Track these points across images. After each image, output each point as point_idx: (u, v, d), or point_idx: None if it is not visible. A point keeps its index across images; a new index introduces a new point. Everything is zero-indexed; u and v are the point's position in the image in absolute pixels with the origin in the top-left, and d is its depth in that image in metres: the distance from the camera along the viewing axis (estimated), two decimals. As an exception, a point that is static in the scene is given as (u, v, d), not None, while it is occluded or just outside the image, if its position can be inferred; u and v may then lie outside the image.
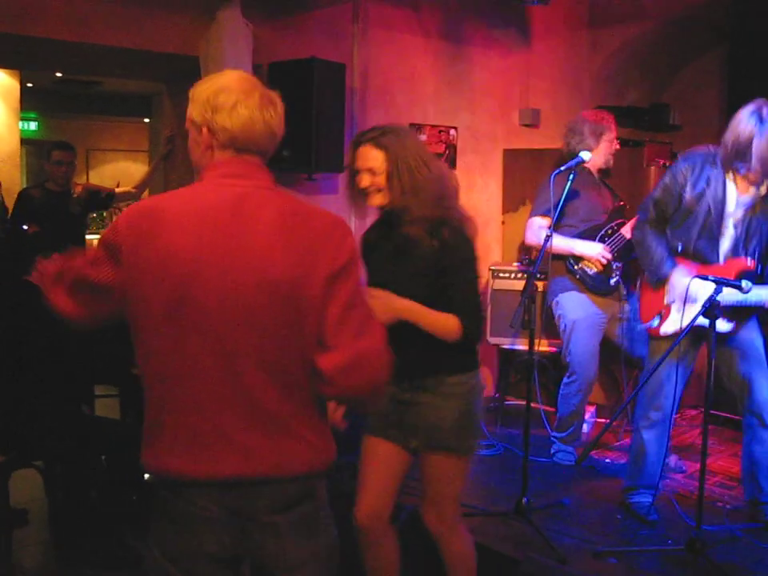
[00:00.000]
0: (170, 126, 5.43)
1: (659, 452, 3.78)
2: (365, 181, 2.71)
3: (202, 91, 1.93)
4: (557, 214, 4.23)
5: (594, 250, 4.37)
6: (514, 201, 6.00)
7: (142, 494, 4.31)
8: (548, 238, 3.86)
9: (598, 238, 4.43)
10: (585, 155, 3.93)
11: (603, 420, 5.06)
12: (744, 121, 3.43)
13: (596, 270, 4.41)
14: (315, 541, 1.96)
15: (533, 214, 4.49)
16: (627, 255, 4.43)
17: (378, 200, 2.73)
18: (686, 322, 3.48)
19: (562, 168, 3.88)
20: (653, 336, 3.75)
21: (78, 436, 3.75)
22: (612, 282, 4.43)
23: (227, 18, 4.33)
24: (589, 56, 6.26)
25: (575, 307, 4.48)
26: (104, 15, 4.18)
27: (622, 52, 6.23)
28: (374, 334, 1.90)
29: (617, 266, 4.42)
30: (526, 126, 6.16)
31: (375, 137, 2.70)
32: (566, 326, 4.52)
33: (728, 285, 3.34)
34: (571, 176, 3.90)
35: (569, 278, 4.50)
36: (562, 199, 4.06)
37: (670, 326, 3.67)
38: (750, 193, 3.51)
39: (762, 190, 3.51)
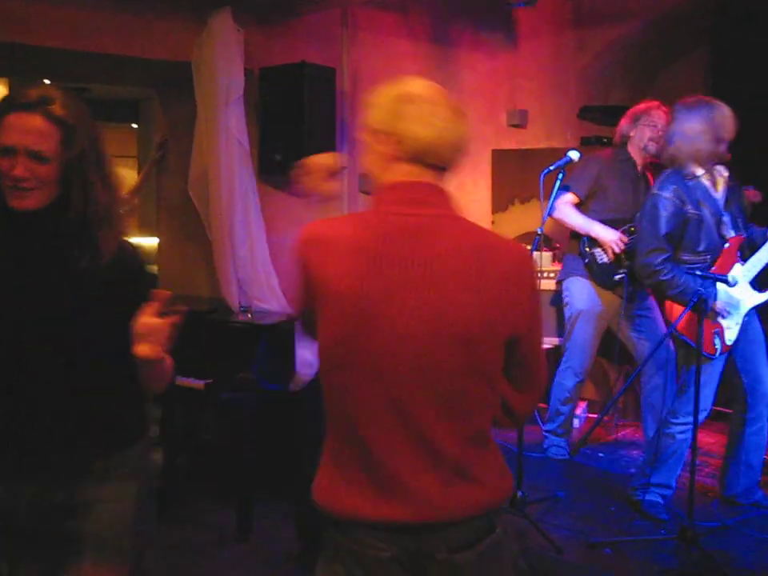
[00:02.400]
0: (162, 131, 5.46)
1: (684, 455, 3.82)
2: (19, 168, 1.83)
3: (387, 96, 1.78)
4: (585, 196, 4.43)
5: (610, 236, 4.38)
6: (503, 201, 6.07)
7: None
8: (537, 237, 3.90)
9: (619, 231, 4.44)
10: (573, 154, 3.99)
11: (595, 415, 5.13)
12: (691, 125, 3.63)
13: (607, 258, 4.43)
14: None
15: (562, 189, 4.38)
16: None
17: (32, 201, 1.87)
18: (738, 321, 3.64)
19: (551, 167, 3.93)
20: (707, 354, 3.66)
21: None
22: (617, 277, 4.44)
23: (218, 23, 4.37)
24: (574, 57, 6.34)
25: (582, 297, 4.53)
26: (95, 22, 4.21)
27: (607, 52, 6.31)
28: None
29: (627, 264, 4.41)
30: (514, 126, 6.23)
31: (45, 103, 1.86)
32: (571, 313, 4.58)
33: (716, 279, 3.42)
34: (560, 175, 3.96)
35: (579, 259, 4.52)
36: (554, 194, 4.08)
37: (732, 335, 3.69)
38: (720, 183, 3.72)
39: (723, 173, 3.74)
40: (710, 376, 3.67)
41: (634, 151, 4.49)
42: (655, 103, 4.49)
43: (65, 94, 1.90)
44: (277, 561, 3.67)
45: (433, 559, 1.71)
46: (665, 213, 3.62)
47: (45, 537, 1.94)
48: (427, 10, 5.61)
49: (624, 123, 4.50)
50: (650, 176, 4.59)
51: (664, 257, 3.61)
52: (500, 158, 6.09)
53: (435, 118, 1.72)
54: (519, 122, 6.20)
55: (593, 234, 4.43)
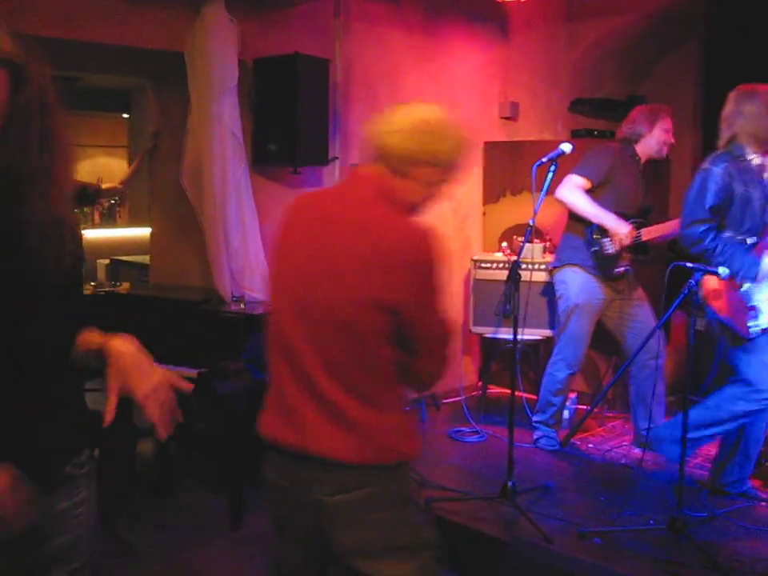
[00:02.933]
0: (155, 121, 5.45)
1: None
2: None
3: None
4: (597, 183, 4.42)
5: (623, 229, 4.38)
6: (494, 192, 6.09)
7: (132, 486, 4.37)
8: (529, 228, 3.90)
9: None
10: (565, 147, 4.00)
11: (584, 407, 5.16)
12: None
13: (613, 250, 4.43)
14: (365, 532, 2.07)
15: (573, 172, 4.45)
16: (636, 253, 4.50)
17: None
18: None
19: (544, 159, 3.94)
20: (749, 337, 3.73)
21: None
22: (617, 270, 4.47)
23: (212, 13, 4.36)
24: (567, 49, 6.36)
25: (579, 291, 4.51)
26: (89, 11, 4.20)
27: (599, 45, 6.33)
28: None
29: (626, 257, 4.46)
30: (506, 118, 6.25)
31: None
32: (567, 306, 4.56)
33: (706, 272, 3.45)
34: (552, 167, 3.97)
35: (584, 244, 4.48)
36: (547, 186, 4.09)
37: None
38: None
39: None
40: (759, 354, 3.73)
41: (641, 149, 4.51)
42: (665, 106, 4.57)
43: (12, 34, 1.62)
44: (268, 549, 3.69)
45: (311, 495, 2.04)
46: (714, 186, 3.66)
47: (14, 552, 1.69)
48: (420, 2, 5.62)
49: (639, 122, 4.49)
50: (642, 166, 4.62)
51: (706, 227, 3.67)
52: (492, 150, 6.11)
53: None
54: (511, 114, 6.21)
55: (605, 224, 4.41)
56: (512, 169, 5.88)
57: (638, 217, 4.50)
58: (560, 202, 4.50)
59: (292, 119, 4.57)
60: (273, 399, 2.14)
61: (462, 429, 5.03)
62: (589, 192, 4.44)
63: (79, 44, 4.25)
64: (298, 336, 2.05)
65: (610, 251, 4.44)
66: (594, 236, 4.46)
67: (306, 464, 2.03)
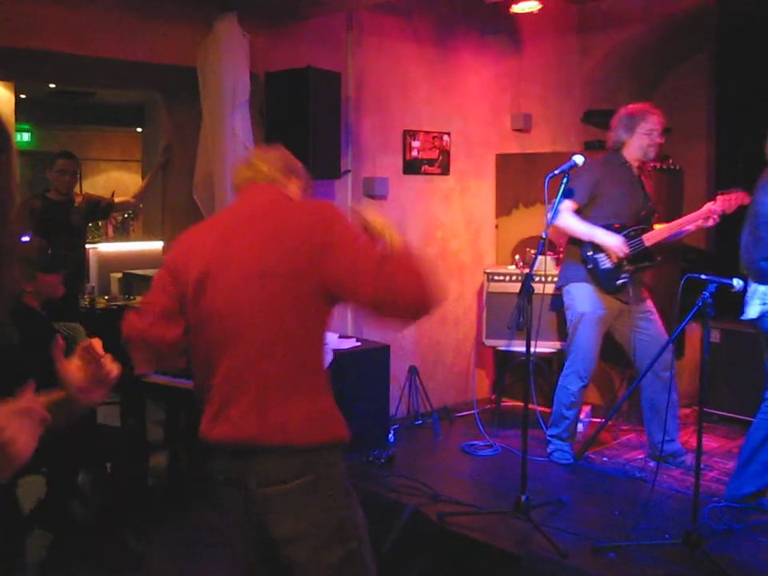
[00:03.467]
0: (167, 135, 5.48)
1: None
2: None
3: None
4: (584, 202, 4.40)
5: (614, 241, 4.37)
6: (507, 205, 6.07)
7: (144, 498, 4.37)
8: (542, 241, 3.88)
9: (621, 236, 4.43)
10: (577, 159, 3.99)
11: (598, 420, 5.12)
12: None
13: (610, 263, 4.42)
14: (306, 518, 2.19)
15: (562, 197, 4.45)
16: (640, 262, 4.46)
17: None
18: None
19: (556, 171, 3.93)
20: None
21: (83, 443, 3.79)
22: (618, 282, 4.43)
23: (224, 28, 4.39)
24: (579, 60, 6.35)
25: (584, 300, 4.50)
26: (102, 27, 4.23)
27: (611, 56, 6.32)
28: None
29: (627, 269, 4.43)
30: (518, 130, 6.24)
31: None
32: (573, 316, 4.55)
33: (720, 283, 3.42)
34: (565, 179, 3.96)
35: (581, 265, 4.49)
36: (560, 197, 4.07)
37: None
38: None
39: None
40: None
41: (629, 155, 4.49)
42: (648, 107, 4.50)
43: None
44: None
45: (248, 488, 2.19)
46: None
47: None
48: (432, 14, 5.63)
49: (618, 129, 4.48)
50: (644, 179, 4.59)
51: None
52: (504, 163, 6.10)
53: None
54: (523, 126, 6.21)
55: (597, 240, 4.41)
56: (525, 181, 5.86)
57: (640, 223, 4.48)
58: (554, 227, 4.52)
59: (304, 132, 4.58)
60: (208, 406, 2.27)
61: (476, 442, 5.00)
62: (579, 211, 4.43)
63: (91, 60, 4.28)
64: (226, 336, 2.20)
65: (607, 266, 4.44)
66: (589, 253, 4.46)
67: (241, 456, 2.19)
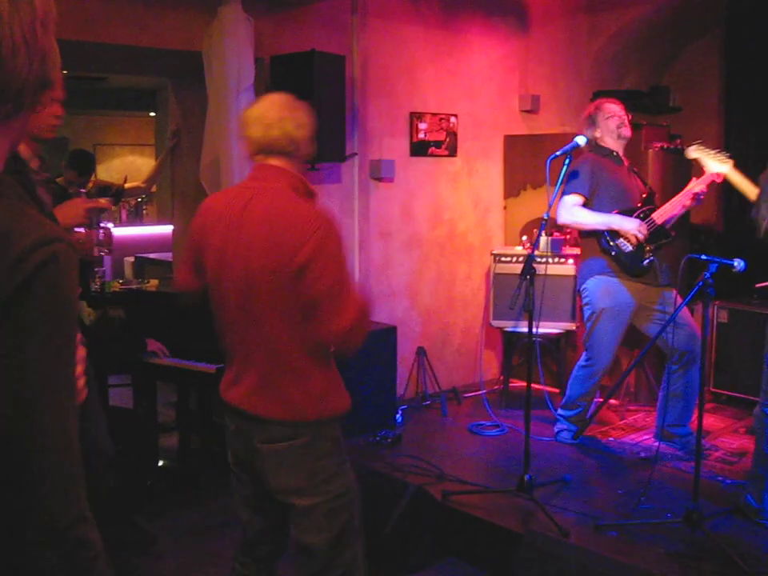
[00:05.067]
0: (175, 120, 5.52)
1: None
2: None
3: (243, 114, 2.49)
4: (589, 194, 4.39)
5: (632, 224, 4.36)
6: (515, 186, 6.07)
7: (155, 480, 4.44)
8: (543, 222, 3.89)
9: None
10: (580, 139, 3.99)
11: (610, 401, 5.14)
12: None
13: (632, 246, 4.40)
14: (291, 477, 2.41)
15: (564, 194, 4.43)
16: (658, 240, 4.44)
17: None
18: None
19: (558, 152, 3.94)
20: None
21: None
22: (645, 262, 4.41)
23: (228, 13, 4.40)
24: (587, 40, 6.31)
25: (603, 295, 4.45)
26: (109, 14, 4.26)
27: (620, 36, 6.27)
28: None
29: (649, 248, 4.41)
30: (526, 111, 6.23)
31: None
32: (592, 312, 4.49)
33: (720, 263, 3.43)
34: (567, 160, 3.97)
35: (602, 257, 4.45)
36: (560, 180, 4.07)
37: None
38: None
39: None
40: None
41: (610, 145, 4.52)
42: (601, 99, 4.62)
43: None
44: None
45: (252, 443, 2.42)
46: None
47: None
48: (438, -4, 5.62)
49: (587, 128, 4.54)
50: (624, 159, 4.58)
51: None
52: (512, 144, 6.10)
53: (259, 122, 2.38)
54: (531, 107, 6.19)
55: (614, 227, 4.38)
56: (533, 162, 5.84)
57: (645, 205, 4.48)
58: (566, 226, 4.52)
59: (309, 116, 4.59)
60: (228, 368, 2.52)
61: (482, 422, 5.04)
62: (585, 205, 4.43)
63: (97, 46, 4.31)
64: (241, 315, 2.38)
65: (629, 249, 4.41)
66: (609, 242, 4.43)
67: (246, 419, 2.42)
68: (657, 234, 4.42)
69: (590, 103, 4.68)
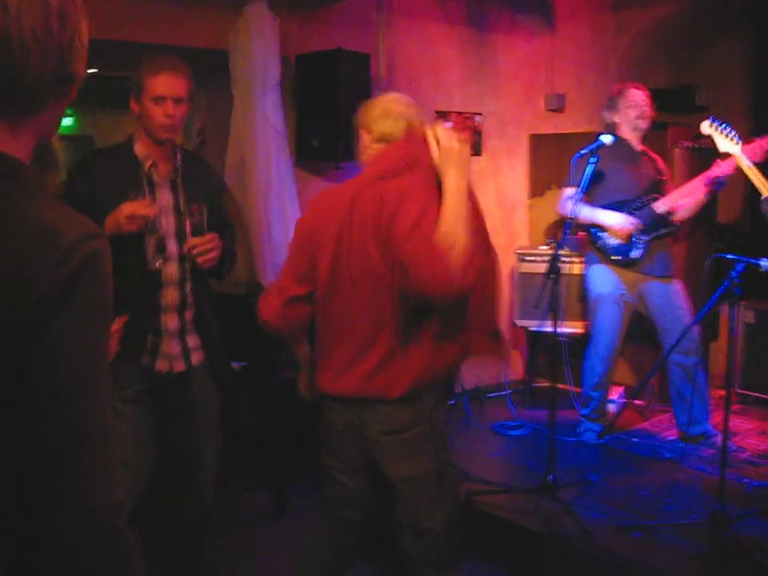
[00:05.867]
0: (202, 118, 5.54)
1: None
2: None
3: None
4: (586, 188, 4.30)
5: (615, 220, 4.40)
6: (540, 185, 6.05)
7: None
8: (568, 222, 3.89)
9: (626, 211, 4.44)
10: (605, 138, 3.97)
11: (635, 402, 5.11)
12: None
13: (619, 239, 4.43)
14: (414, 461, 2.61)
15: (566, 185, 4.52)
16: (655, 230, 4.44)
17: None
18: None
19: (583, 151, 3.93)
20: None
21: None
22: (632, 254, 4.45)
23: (254, 12, 4.42)
24: (614, 38, 6.28)
25: (599, 282, 4.55)
26: (137, 13, 4.29)
27: (647, 34, 6.24)
28: None
29: (642, 239, 4.42)
30: (552, 110, 6.20)
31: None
32: (592, 298, 4.60)
33: (747, 262, 3.39)
34: (592, 159, 3.94)
35: (591, 248, 4.58)
36: (586, 179, 4.05)
37: None
38: None
39: None
40: None
41: (623, 133, 4.51)
42: (627, 84, 4.60)
43: None
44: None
45: (369, 436, 2.57)
46: None
47: None
48: (463, -6, 5.60)
49: (605, 113, 4.57)
50: (649, 151, 4.56)
51: None
52: (537, 143, 6.07)
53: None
54: (557, 106, 6.16)
55: (597, 221, 4.45)
56: (558, 162, 5.80)
57: (649, 193, 4.46)
58: (562, 216, 4.53)
59: (334, 115, 4.60)
60: (329, 361, 2.63)
61: (507, 422, 5.02)
62: (588, 195, 4.42)
63: (125, 45, 4.34)
64: (350, 303, 2.54)
65: (614, 242, 4.47)
66: (596, 234, 4.52)
67: (360, 407, 2.57)
68: (655, 223, 4.40)
69: (616, 86, 4.64)
